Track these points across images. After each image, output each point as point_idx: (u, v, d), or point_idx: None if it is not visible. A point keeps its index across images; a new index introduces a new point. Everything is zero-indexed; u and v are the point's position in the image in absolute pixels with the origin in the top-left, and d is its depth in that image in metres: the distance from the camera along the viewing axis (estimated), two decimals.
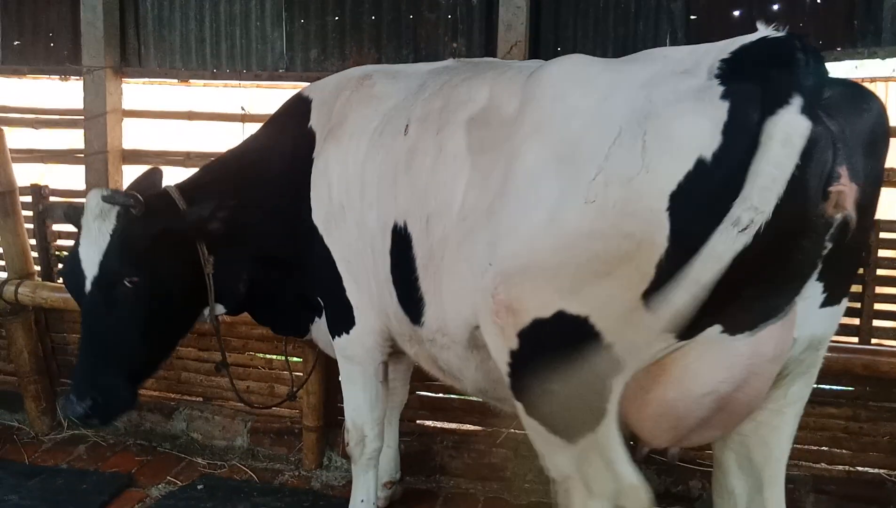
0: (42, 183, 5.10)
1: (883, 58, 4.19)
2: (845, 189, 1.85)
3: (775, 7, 4.33)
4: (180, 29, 5.29)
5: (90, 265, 2.80)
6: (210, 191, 3.09)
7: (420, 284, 2.59)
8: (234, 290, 3.16)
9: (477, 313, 2.37)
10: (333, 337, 3.17)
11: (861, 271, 3.98)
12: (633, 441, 2.35)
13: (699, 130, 1.88)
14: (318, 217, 3.00)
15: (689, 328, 2.01)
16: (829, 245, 1.92)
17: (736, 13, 4.38)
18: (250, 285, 3.20)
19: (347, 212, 2.89)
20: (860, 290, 4.00)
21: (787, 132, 1.77)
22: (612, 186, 1.98)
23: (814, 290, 2.05)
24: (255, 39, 5.20)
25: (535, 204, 2.14)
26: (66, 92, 5.77)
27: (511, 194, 2.21)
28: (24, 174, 5.41)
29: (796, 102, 1.77)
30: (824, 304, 2.10)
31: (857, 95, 2.02)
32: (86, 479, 4.18)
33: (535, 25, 4.65)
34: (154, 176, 3.38)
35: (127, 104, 5.42)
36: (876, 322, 3.99)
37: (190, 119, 5.36)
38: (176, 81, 5.46)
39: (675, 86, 2.00)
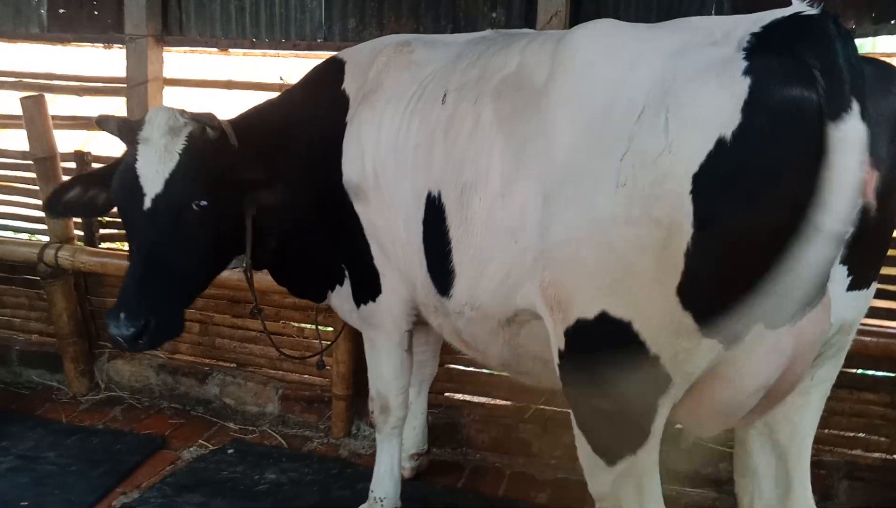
0: (85, 150, 5.17)
1: None
2: (866, 176, 1.78)
3: None
4: None
5: (152, 182, 2.69)
6: (256, 136, 3.05)
7: (452, 256, 2.55)
8: (265, 242, 3.11)
9: (528, 297, 2.33)
10: (358, 305, 3.16)
11: None
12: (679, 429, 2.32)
13: (719, 107, 1.81)
14: (348, 183, 2.96)
15: (736, 335, 1.97)
16: (850, 229, 1.84)
17: None
18: (279, 243, 3.17)
19: (380, 179, 2.85)
20: None
21: (855, 139, 1.73)
22: (639, 167, 1.91)
23: (839, 274, 1.99)
24: (293, 9, 5.18)
25: (573, 189, 2.08)
26: (109, 60, 5.84)
27: (555, 179, 2.15)
28: (68, 141, 5.51)
29: (856, 107, 1.73)
30: (851, 288, 2.04)
31: (885, 76, 1.94)
32: (121, 440, 4.28)
33: None
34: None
35: (168, 73, 5.46)
36: None
37: (229, 88, 5.38)
38: (216, 50, 5.48)
39: (700, 57, 1.92)
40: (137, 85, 5.40)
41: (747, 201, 1.83)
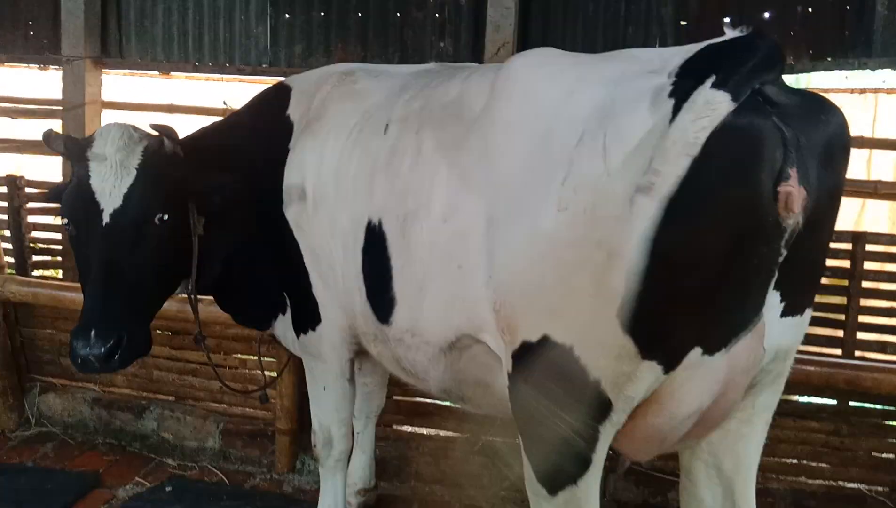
0: (18, 174, 4.98)
1: (873, 69, 4.17)
2: (793, 190, 1.81)
3: (766, 15, 4.29)
4: (163, 20, 5.21)
5: (110, 198, 2.63)
6: (201, 158, 2.95)
7: (392, 283, 2.53)
8: (210, 265, 3.02)
9: (477, 323, 2.31)
10: (298, 335, 3.09)
11: (846, 282, 3.96)
12: (615, 454, 2.32)
13: (650, 130, 1.84)
14: (288, 209, 2.92)
15: (673, 358, 2.00)
16: (784, 252, 1.89)
17: (726, 19, 4.34)
18: (224, 267, 3.08)
19: (319, 206, 2.82)
20: (845, 302, 3.98)
21: (699, 102, 1.78)
22: (579, 191, 1.93)
23: (773, 299, 2.01)
24: (238, 33, 5.13)
25: (516, 213, 2.09)
26: (45, 81, 5.68)
27: (499, 204, 2.16)
28: (1, 164, 5.31)
29: (712, 78, 1.78)
30: (785, 314, 2.06)
31: (817, 106, 1.99)
32: (51, 478, 4.07)
33: (523, 27, 4.61)
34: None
35: (106, 95, 5.35)
36: (860, 335, 3.97)
37: (171, 112, 5.28)
38: (157, 73, 5.40)
39: (637, 84, 1.95)
40: (74, 107, 5.25)
41: (684, 223, 1.83)
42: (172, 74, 5.36)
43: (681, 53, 2.01)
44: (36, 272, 5.04)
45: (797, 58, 4.27)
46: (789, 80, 4.30)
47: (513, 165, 2.14)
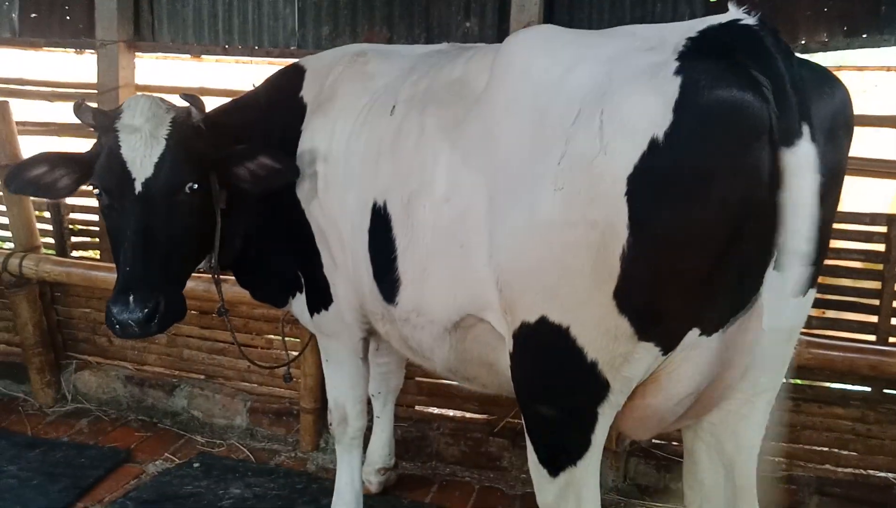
0: None
1: None
2: None
3: None
4: (193, 4, 5.24)
5: (141, 167, 2.67)
6: (221, 134, 2.98)
7: (397, 264, 2.54)
8: (231, 242, 3.07)
9: (480, 303, 2.32)
10: (312, 314, 3.12)
11: (881, 267, 3.85)
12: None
13: (651, 108, 1.82)
14: (300, 190, 2.95)
15: (671, 340, 2.00)
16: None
17: None
18: (243, 244, 3.12)
19: (329, 186, 2.85)
20: (879, 287, 3.86)
21: (807, 163, 1.78)
22: (575, 170, 1.91)
23: (775, 281, 1.98)
24: (267, 15, 5.14)
25: (515, 192, 2.09)
26: (81, 65, 5.78)
27: (500, 182, 2.16)
28: (39, 147, 5.43)
29: (806, 130, 1.76)
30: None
31: (820, 80, 1.97)
32: (84, 453, 4.20)
33: (549, 5, 4.52)
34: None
35: (139, 78, 5.40)
36: (895, 321, 3.85)
37: (202, 94, 5.25)
38: (188, 56, 5.43)
39: (636, 61, 1.93)
40: (108, 91, 5.33)
41: (681, 202, 1.82)
42: (203, 56, 5.39)
43: (679, 30, 1.99)
44: (75, 253, 5.16)
45: (831, 35, 4.13)
46: (822, 57, 4.20)
47: (512, 144, 2.14)
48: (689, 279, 1.90)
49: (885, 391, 3.64)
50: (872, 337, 3.85)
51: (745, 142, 1.78)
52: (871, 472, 3.68)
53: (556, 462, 2.22)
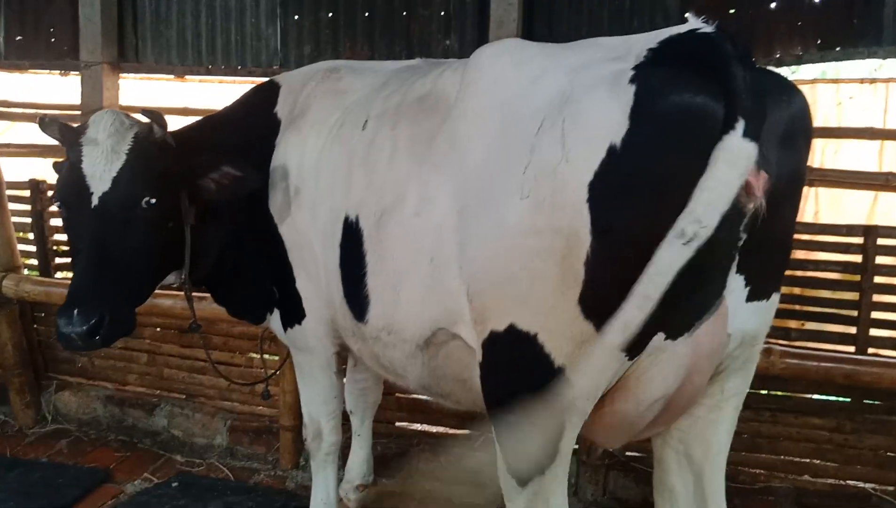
0: (40, 178, 5.10)
1: (883, 58, 4.05)
2: (751, 178, 1.79)
3: (772, 5, 4.20)
4: (177, 25, 5.30)
5: (100, 181, 2.68)
6: (195, 151, 2.99)
7: (367, 280, 2.54)
8: (203, 258, 3.07)
9: (451, 316, 2.32)
10: (286, 329, 3.12)
11: (858, 278, 3.85)
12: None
13: (609, 115, 1.83)
14: (273, 204, 2.95)
15: (637, 344, 1.98)
16: (743, 236, 1.88)
17: (731, 10, 4.26)
18: (217, 259, 3.12)
19: (300, 201, 2.85)
20: (857, 298, 3.87)
21: (733, 154, 1.75)
22: (540, 178, 1.93)
23: (736, 284, 2.00)
24: (249, 36, 5.19)
25: (484, 203, 2.10)
26: (66, 87, 5.82)
27: (469, 193, 2.17)
28: (24, 169, 5.44)
29: (740, 125, 1.74)
30: (750, 298, 2.05)
31: (779, 88, 1.98)
32: (63, 473, 4.17)
33: (528, 22, 4.58)
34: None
35: (123, 99, 5.43)
36: (873, 331, 3.85)
37: (185, 115, 5.32)
38: (172, 76, 5.48)
39: (598, 71, 1.95)
40: (93, 111, 5.34)
41: (641, 207, 1.83)
42: (187, 77, 5.45)
43: (644, 41, 2.01)
44: (59, 275, 5.16)
45: (805, 48, 4.17)
46: (797, 71, 4.21)
47: (480, 156, 2.15)
48: (666, 294, 1.88)
49: (864, 401, 3.63)
50: (852, 348, 3.85)
51: (701, 145, 1.78)
52: (848, 482, 3.67)
53: (524, 471, 2.20)
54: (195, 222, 2.95)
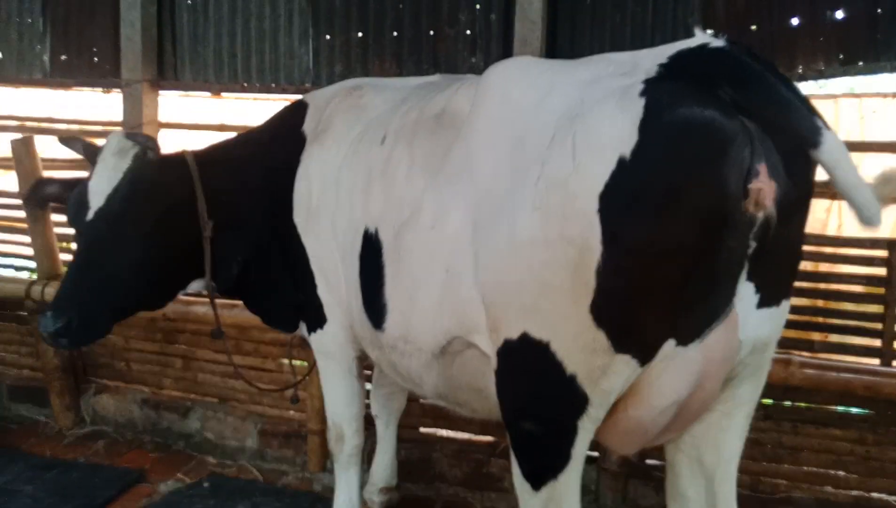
0: None
1: None
2: (764, 187, 1.83)
3: (794, 21, 4.26)
4: (213, 44, 5.49)
5: (97, 197, 2.92)
6: (220, 168, 3.23)
7: (385, 290, 2.63)
8: (226, 268, 3.22)
9: (467, 325, 2.38)
10: (309, 333, 3.24)
11: (882, 291, 3.86)
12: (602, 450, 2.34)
13: (618, 128, 1.89)
14: (297, 216, 3.09)
15: (647, 351, 2.04)
16: (753, 244, 1.92)
17: (753, 27, 4.32)
18: (244, 270, 3.26)
19: (322, 213, 2.98)
20: (881, 311, 3.87)
21: (840, 154, 1.83)
22: (551, 190, 2.00)
23: (746, 291, 2.03)
24: (283, 55, 5.36)
25: (499, 215, 2.17)
26: (108, 104, 6.05)
27: (483, 206, 2.25)
28: None
29: (825, 126, 1.83)
30: (761, 305, 2.08)
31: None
32: (98, 474, 4.33)
33: (551, 41, 4.68)
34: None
35: (163, 116, 5.64)
36: None
37: (221, 130, 5.52)
38: (209, 94, 5.67)
39: (608, 85, 2.02)
40: (134, 128, 5.56)
41: (651, 216, 1.89)
42: (223, 94, 5.64)
43: (652, 55, 2.07)
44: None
45: (828, 63, 4.22)
46: (820, 85, 4.22)
47: (493, 170, 2.23)
48: (661, 292, 1.96)
49: (888, 413, 3.62)
50: (877, 361, 3.84)
51: (710, 157, 1.83)
52: (872, 494, 3.66)
53: (539, 475, 2.26)
54: (214, 233, 3.13)
